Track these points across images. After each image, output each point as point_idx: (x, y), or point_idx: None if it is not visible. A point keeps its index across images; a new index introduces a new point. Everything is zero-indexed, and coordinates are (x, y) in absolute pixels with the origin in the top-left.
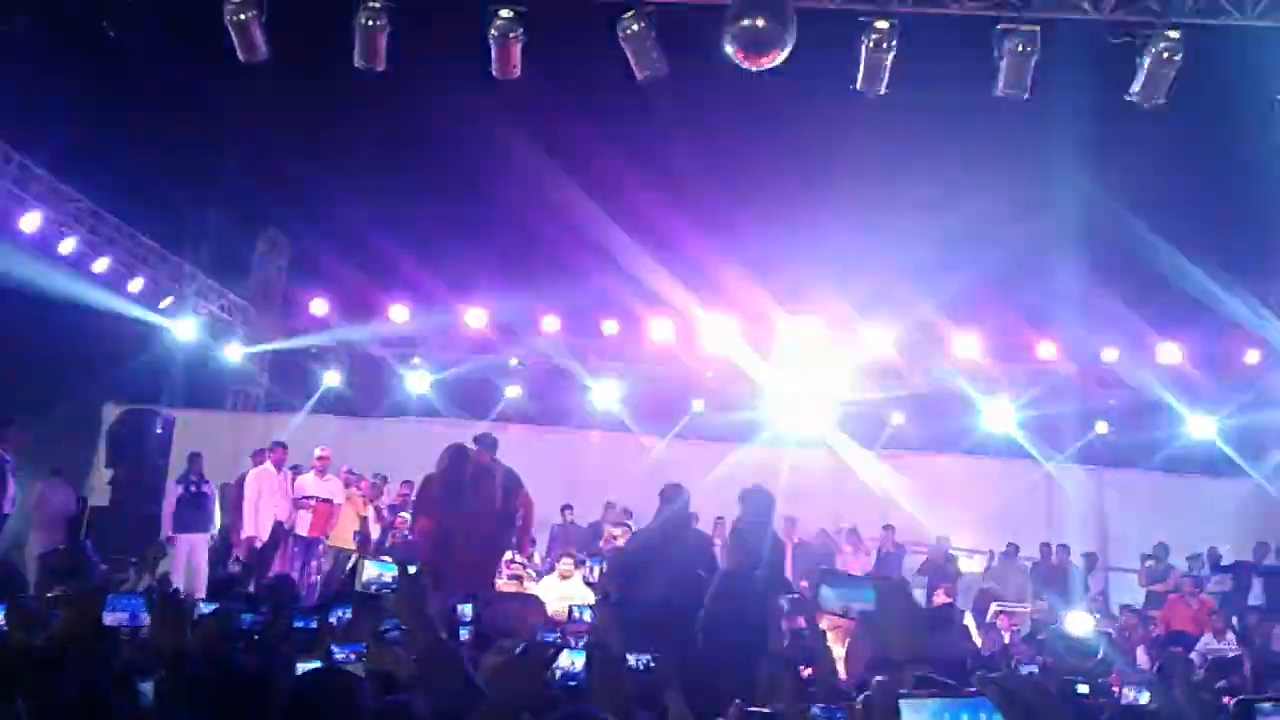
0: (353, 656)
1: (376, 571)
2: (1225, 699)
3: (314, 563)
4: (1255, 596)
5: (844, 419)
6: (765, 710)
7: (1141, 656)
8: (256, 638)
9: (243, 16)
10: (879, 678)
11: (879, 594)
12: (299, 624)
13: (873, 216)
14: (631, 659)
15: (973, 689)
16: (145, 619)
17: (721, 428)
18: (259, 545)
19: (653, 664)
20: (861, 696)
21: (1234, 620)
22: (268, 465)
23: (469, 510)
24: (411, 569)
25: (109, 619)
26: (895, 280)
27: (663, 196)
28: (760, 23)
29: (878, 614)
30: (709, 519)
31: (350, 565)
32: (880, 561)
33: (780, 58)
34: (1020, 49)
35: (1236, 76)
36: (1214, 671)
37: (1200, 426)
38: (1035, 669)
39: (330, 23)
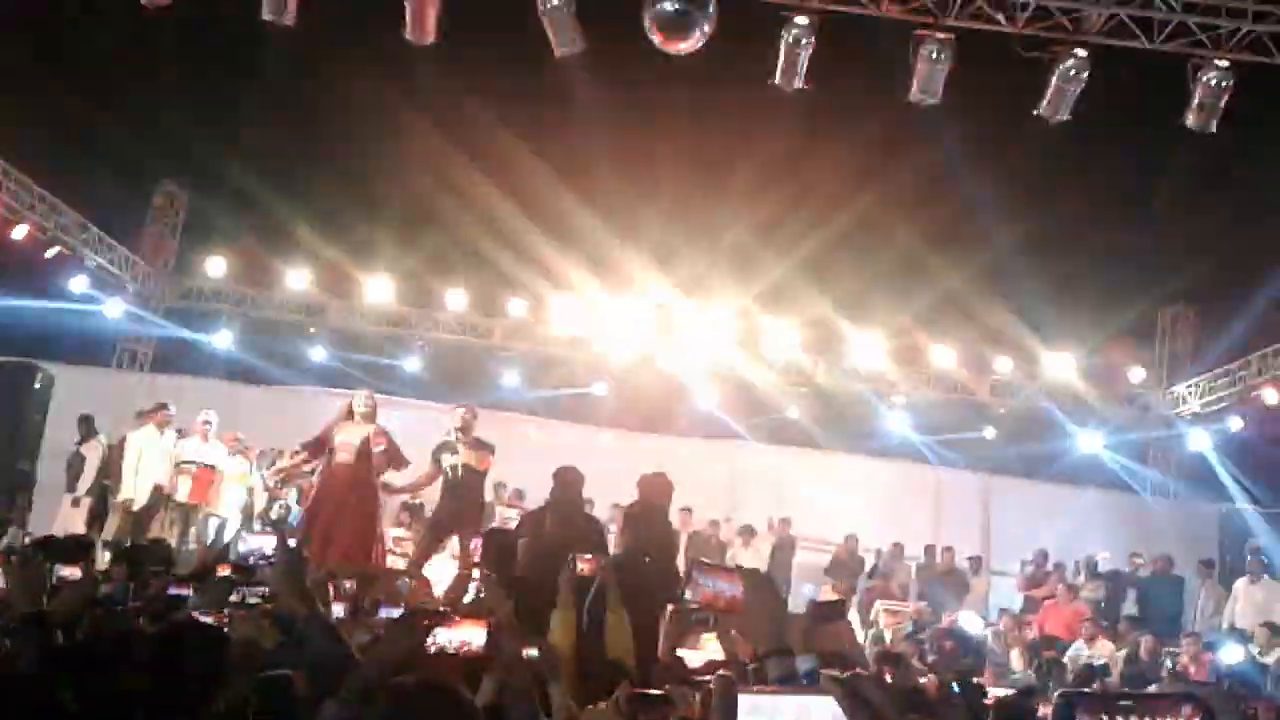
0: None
1: (256, 543)
2: None
3: (192, 530)
4: (1129, 606)
5: (746, 413)
6: (652, 691)
7: (1016, 659)
8: (117, 607)
9: None
10: (721, 671)
11: (745, 585)
12: (171, 592)
13: (775, 211)
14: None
15: (815, 686)
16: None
17: (622, 414)
18: (134, 509)
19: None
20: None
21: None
22: (150, 427)
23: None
24: (291, 541)
25: None
26: (795, 276)
27: (568, 178)
28: (680, 6)
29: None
30: (605, 505)
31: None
32: (774, 555)
33: (698, 42)
34: (934, 56)
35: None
36: (1084, 677)
37: (1088, 440)
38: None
39: None
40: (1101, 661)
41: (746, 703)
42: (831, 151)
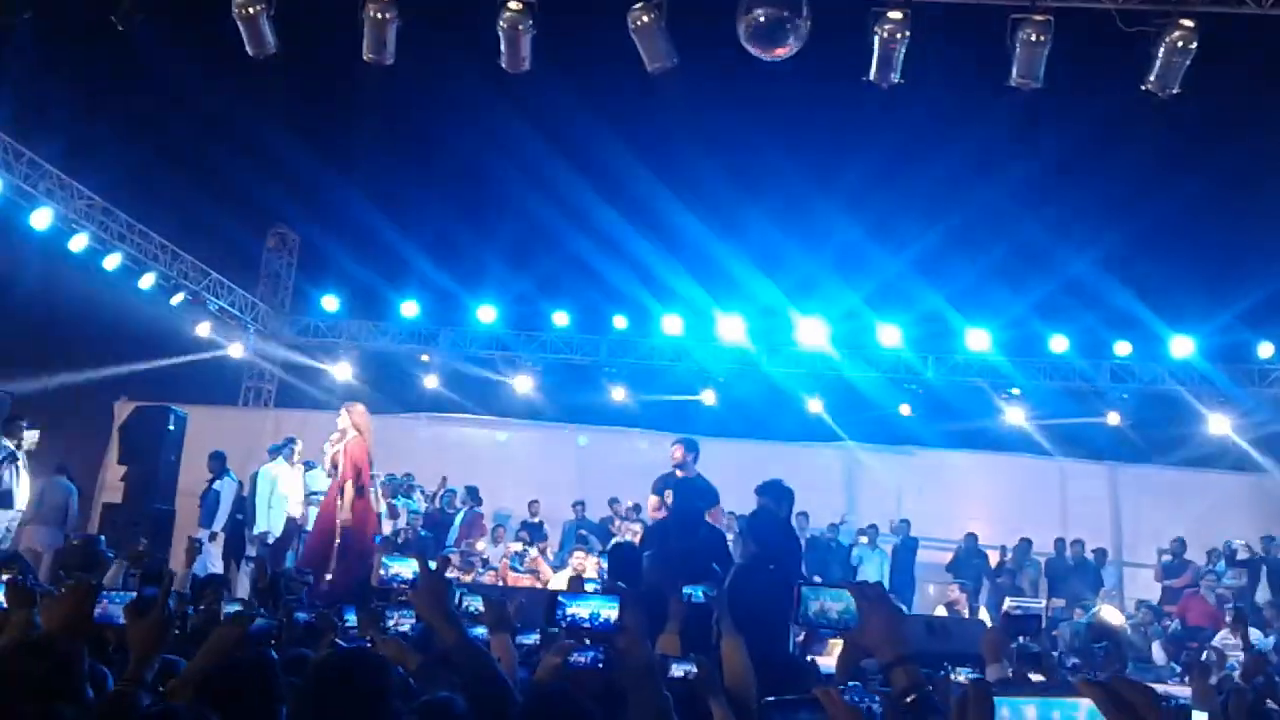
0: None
1: (394, 568)
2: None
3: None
4: (1262, 590)
5: (855, 414)
6: (789, 697)
7: (1157, 651)
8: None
9: (251, 10)
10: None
11: (856, 599)
12: (300, 617)
13: (882, 211)
14: (676, 669)
15: (1071, 690)
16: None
17: (732, 424)
18: (271, 541)
19: (694, 673)
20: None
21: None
22: (280, 461)
23: None
24: (432, 563)
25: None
26: (905, 274)
27: (672, 190)
28: (773, 13)
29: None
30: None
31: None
32: (895, 556)
33: (794, 48)
34: (1033, 39)
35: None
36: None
37: (1217, 423)
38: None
39: (338, 17)
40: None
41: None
42: (937, 145)
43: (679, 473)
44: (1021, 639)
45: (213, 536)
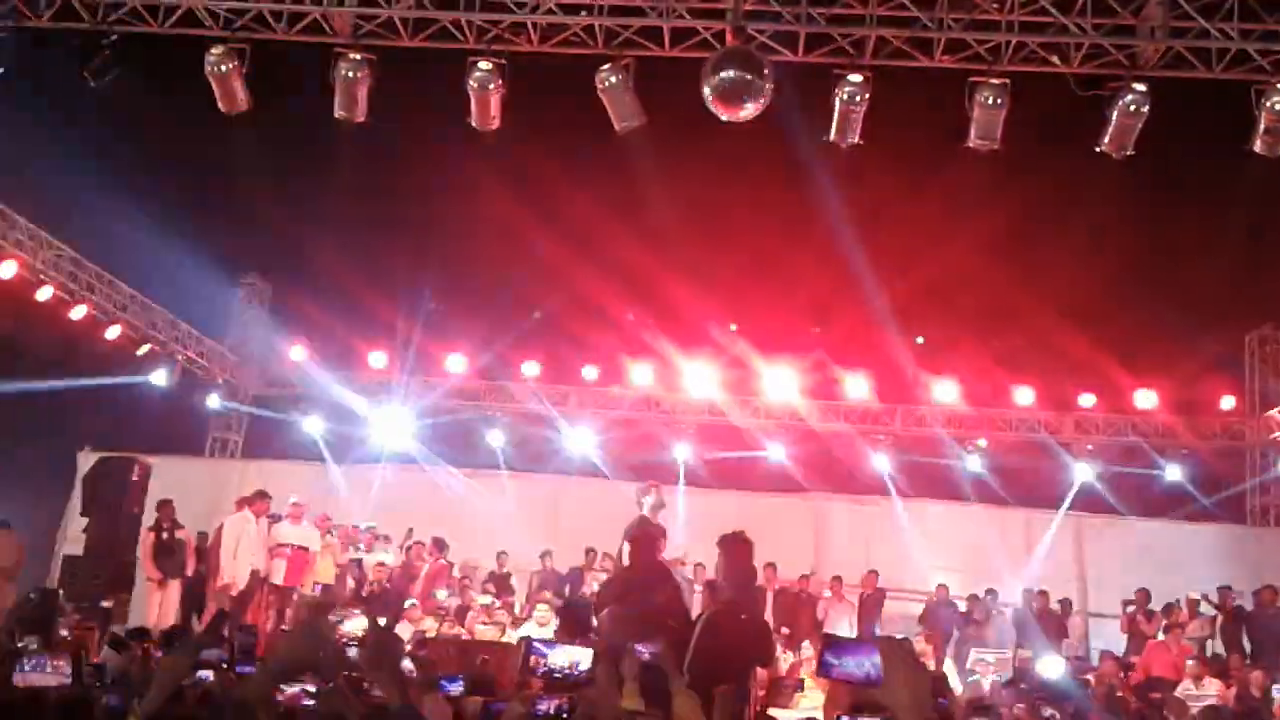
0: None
1: (348, 625)
2: None
3: (288, 611)
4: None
5: (822, 464)
6: None
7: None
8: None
9: (224, 68)
10: None
11: (884, 657)
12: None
13: (850, 262)
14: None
15: None
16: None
17: (700, 473)
18: (234, 593)
19: None
20: None
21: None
22: (246, 513)
23: None
24: (382, 621)
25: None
26: (873, 324)
27: (642, 244)
28: (738, 75)
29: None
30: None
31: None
32: (862, 607)
33: (758, 109)
34: (990, 101)
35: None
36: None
37: (1180, 473)
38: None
39: (311, 74)
40: (1213, 701)
41: None
42: (901, 203)
43: (650, 516)
44: None
45: (161, 584)
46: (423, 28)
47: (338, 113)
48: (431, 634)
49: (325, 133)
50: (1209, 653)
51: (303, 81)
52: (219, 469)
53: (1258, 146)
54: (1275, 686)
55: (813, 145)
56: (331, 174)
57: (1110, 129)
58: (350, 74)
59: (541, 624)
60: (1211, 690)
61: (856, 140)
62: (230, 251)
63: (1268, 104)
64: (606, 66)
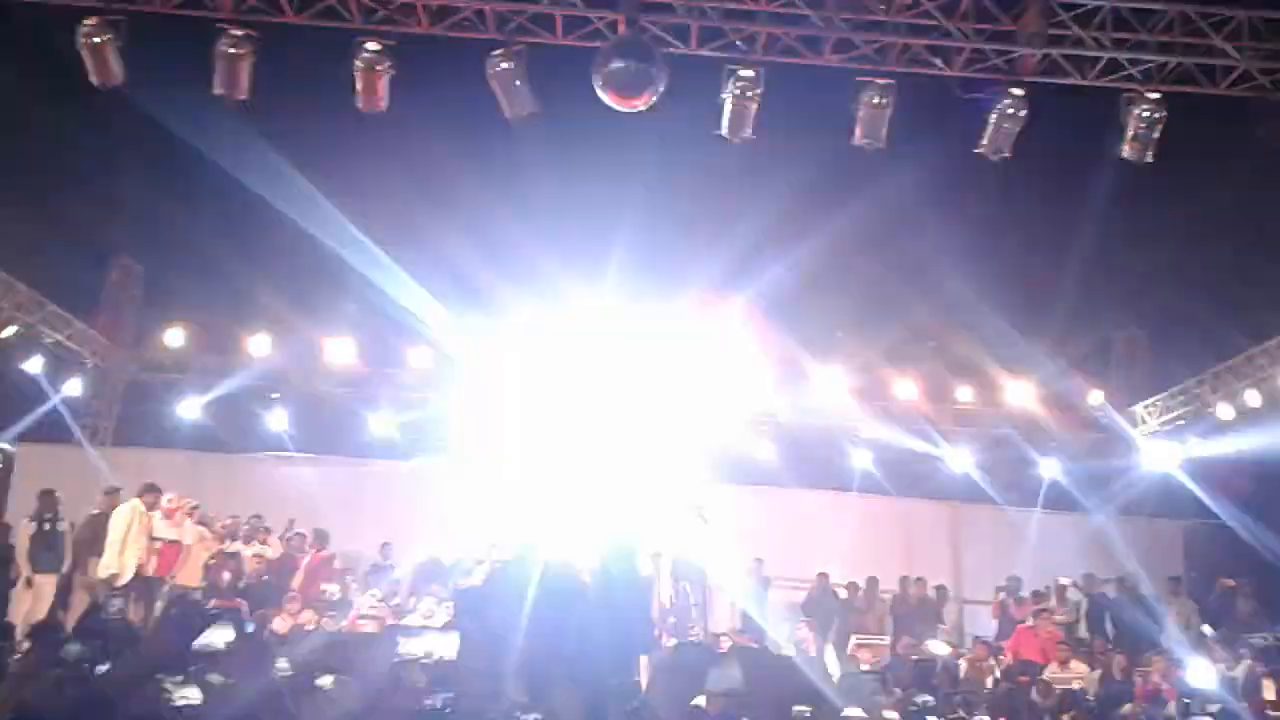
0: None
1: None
2: None
3: (156, 603)
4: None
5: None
6: None
7: (990, 686)
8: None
9: (97, 40)
10: None
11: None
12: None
13: (739, 255)
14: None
15: None
16: None
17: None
18: (118, 585)
19: None
20: None
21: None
22: (136, 503)
23: None
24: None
25: None
26: (762, 318)
27: (533, 232)
28: (631, 66)
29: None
30: None
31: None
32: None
33: (651, 100)
34: (876, 101)
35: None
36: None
37: (1050, 466)
38: None
39: (189, 49)
40: (1078, 685)
41: None
42: (786, 196)
43: None
44: None
45: (29, 581)
46: (308, 4)
47: (216, 89)
48: (311, 627)
49: (202, 109)
50: (1076, 636)
51: (181, 55)
52: (87, 457)
53: (1126, 153)
54: (1137, 670)
55: (704, 138)
56: (211, 152)
57: (989, 132)
58: (230, 50)
59: (426, 616)
60: (1078, 673)
61: (749, 135)
62: (101, 230)
63: (1135, 111)
64: (497, 53)
